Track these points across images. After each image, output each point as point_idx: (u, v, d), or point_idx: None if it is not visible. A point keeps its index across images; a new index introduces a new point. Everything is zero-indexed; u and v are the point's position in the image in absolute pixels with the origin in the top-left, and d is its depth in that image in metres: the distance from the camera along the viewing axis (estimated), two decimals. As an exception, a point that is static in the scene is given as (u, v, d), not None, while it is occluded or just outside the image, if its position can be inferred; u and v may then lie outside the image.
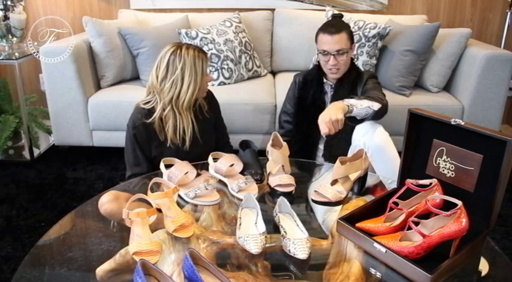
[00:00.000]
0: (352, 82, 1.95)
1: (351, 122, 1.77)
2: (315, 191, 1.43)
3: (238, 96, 2.51)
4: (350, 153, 1.77)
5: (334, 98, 1.98)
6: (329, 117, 1.58)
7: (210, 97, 1.86)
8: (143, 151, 1.73)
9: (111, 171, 2.59)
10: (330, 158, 1.93)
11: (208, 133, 1.84)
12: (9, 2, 2.76)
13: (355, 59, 2.56)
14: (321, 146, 2.03)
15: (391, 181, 1.57)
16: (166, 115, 1.68)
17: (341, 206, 1.40)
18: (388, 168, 1.68)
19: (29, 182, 2.47)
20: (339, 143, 1.91)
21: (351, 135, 1.82)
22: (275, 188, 1.47)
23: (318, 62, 2.01)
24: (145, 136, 1.71)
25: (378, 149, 1.71)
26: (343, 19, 2.06)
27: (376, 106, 1.72)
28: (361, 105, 1.69)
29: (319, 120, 1.61)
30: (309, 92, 2.03)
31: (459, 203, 1.05)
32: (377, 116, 1.76)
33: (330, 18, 2.22)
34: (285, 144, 1.61)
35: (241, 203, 1.33)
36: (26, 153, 2.74)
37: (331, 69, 1.91)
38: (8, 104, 2.84)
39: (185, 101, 1.66)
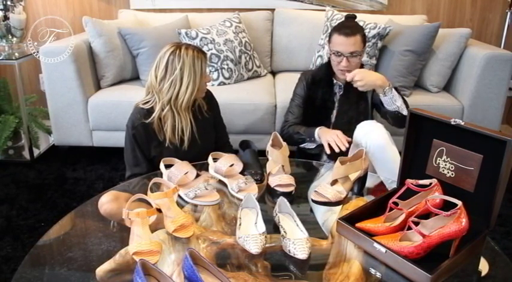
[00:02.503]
0: None
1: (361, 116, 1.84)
2: (315, 191, 1.43)
3: (238, 96, 2.50)
4: (350, 154, 1.77)
5: (343, 99, 1.98)
6: (363, 74, 1.75)
7: (209, 97, 1.86)
8: (143, 151, 1.73)
9: (111, 171, 2.59)
10: (336, 158, 1.92)
11: (207, 133, 1.84)
12: (9, 2, 2.76)
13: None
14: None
15: (391, 181, 1.57)
16: (165, 115, 1.68)
17: (341, 206, 1.40)
18: (388, 168, 1.68)
19: (29, 182, 2.47)
20: None
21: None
22: (275, 188, 1.47)
23: (328, 61, 1.99)
24: (144, 136, 1.71)
25: (378, 148, 1.71)
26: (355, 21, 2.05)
27: (405, 112, 1.77)
28: (395, 100, 1.79)
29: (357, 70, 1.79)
30: (317, 93, 2.01)
31: (459, 203, 1.05)
32: (399, 124, 1.82)
33: (343, 19, 2.19)
34: (284, 144, 1.61)
35: (241, 203, 1.33)
36: (26, 153, 2.74)
37: (342, 70, 1.90)
38: (8, 104, 2.84)
39: (184, 101, 1.66)
